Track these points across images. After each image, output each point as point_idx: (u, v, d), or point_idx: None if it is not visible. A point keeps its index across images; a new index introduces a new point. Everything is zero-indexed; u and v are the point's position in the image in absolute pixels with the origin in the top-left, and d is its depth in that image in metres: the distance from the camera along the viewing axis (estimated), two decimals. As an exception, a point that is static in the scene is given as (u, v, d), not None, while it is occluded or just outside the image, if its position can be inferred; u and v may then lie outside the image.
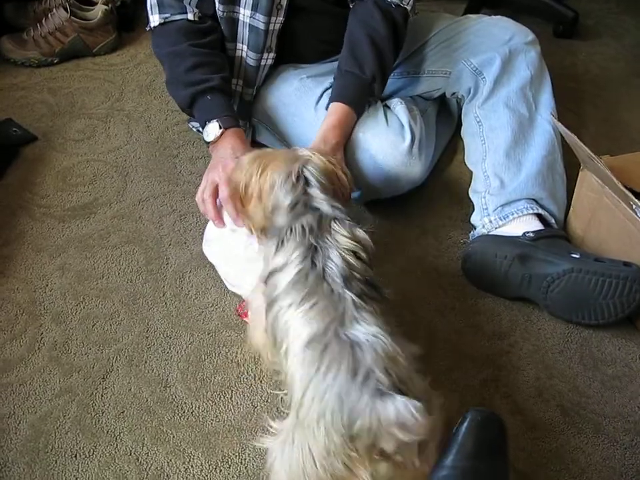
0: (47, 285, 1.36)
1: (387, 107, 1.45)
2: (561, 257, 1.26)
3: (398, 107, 1.44)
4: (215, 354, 1.23)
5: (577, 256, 1.26)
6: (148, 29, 1.47)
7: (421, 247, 1.45)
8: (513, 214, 1.37)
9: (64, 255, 1.42)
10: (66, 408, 1.15)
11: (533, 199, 1.39)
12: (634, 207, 1.19)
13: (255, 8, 1.41)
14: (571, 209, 1.42)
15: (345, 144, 1.38)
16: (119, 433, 1.12)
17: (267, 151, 1.15)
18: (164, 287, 1.35)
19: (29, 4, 2.10)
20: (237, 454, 1.09)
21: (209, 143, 1.36)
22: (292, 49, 1.52)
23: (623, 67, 2.12)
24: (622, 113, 1.90)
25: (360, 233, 1.00)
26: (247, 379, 1.19)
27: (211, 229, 1.30)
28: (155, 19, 1.44)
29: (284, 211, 1.02)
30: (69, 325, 1.28)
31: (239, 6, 1.42)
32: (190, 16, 1.42)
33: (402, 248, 1.45)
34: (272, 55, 1.49)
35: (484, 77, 1.51)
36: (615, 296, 1.22)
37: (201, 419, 1.13)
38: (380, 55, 1.41)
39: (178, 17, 1.42)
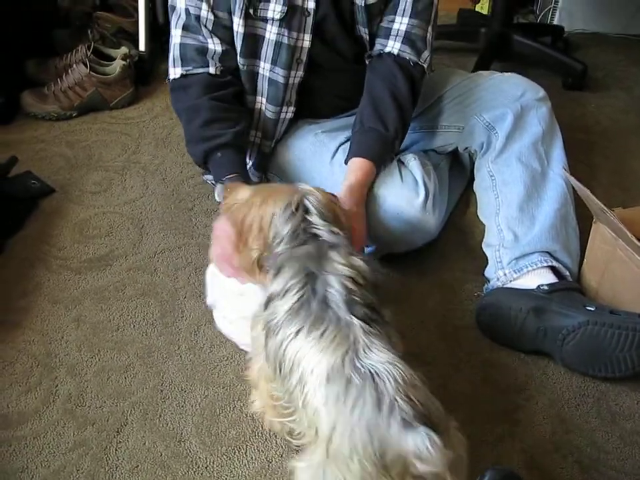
0: (63, 337, 1.36)
1: (400, 162, 1.47)
2: (576, 310, 1.26)
3: (412, 162, 1.46)
4: (230, 408, 1.23)
5: (592, 308, 1.26)
6: (167, 81, 1.50)
7: (435, 300, 1.45)
8: (527, 267, 1.37)
9: (80, 306, 1.43)
10: (80, 462, 1.15)
11: (547, 252, 1.39)
12: (648, 259, 1.20)
13: (274, 62, 1.45)
14: (585, 261, 1.42)
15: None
16: (133, 488, 1.11)
17: (267, 185, 1.16)
18: (179, 340, 1.35)
19: (49, 60, 2.16)
20: (251, 510, 1.08)
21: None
22: (309, 104, 1.55)
23: (633, 118, 2.14)
24: (633, 164, 1.92)
25: (356, 261, 1.01)
26: (261, 433, 1.18)
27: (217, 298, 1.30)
28: (175, 72, 1.46)
29: (284, 239, 1.04)
30: (84, 377, 1.29)
31: (259, 59, 1.46)
32: (212, 70, 1.44)
33: (416, 301, 1.45)
34: (292, 108, 1.52)
35: (496, 132, 1.53)
36: (631, 349, 1.21)
37: (215, 474, 1.12)
38: (402, 112, 1.44)
39: (200, 70, 1.44)
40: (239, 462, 1.14)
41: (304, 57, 1.46)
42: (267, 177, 1.62)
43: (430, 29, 1.50)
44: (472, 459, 1.13)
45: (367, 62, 1.52)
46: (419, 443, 0.79)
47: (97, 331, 1.38)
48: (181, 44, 1.45)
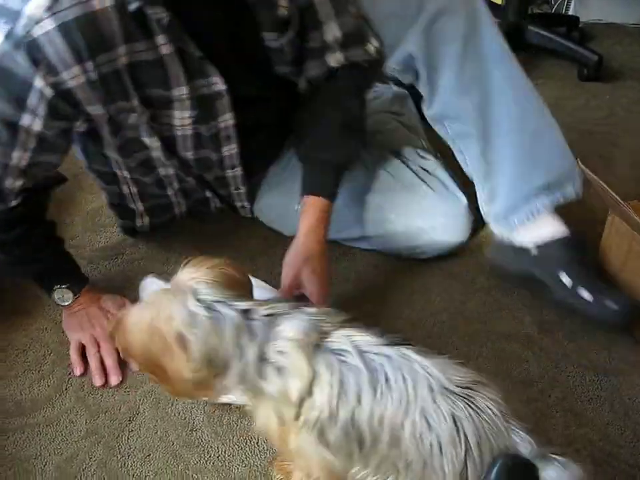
0: (75, 326, 1.37)
1: (424, 170, 1.46)
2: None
3: (438, 171, 1.45)
4: (242, 398, 1.23)
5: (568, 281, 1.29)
6: None
7: (446, 292, 1.44)
8: (516, 221, 1.35)
9: (92, 295, 1.43)
10: (92, 450, 1.15)
11: (530, 195, 1.33)
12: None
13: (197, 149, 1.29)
14: (601, 254, 1.41)
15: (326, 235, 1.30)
16: (145, 477, 1.11)
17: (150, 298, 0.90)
18: (191, 329, 1.35)
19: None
20: (262, 500, 1.08)
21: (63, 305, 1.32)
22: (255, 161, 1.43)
23: (649, 109, 2.12)
24: (649, 156, 1.90)
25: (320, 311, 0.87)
26: (273, 423, 1.18)
27: None
28: None
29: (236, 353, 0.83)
30: (96, 366, 1.29)
31: (181, 152, 1.29)
32: (10, 203, 1.19)
33: (428, 293, 1.44)
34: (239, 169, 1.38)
35: (415, 72, 1.38)
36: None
37: (227, 464, 1.12)
38: (353, 134, 1.33)
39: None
40: (251, 452, 1.14)
41: (232, 132, 1.28)
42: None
43: (360, 11, 1.26)
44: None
45: (306, 88, 1.33)
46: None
47: (110, 319, 1.38)
48: None
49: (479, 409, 0.80)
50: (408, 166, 1.47)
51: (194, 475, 1.11)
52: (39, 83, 1.02)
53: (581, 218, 1.45)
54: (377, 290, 1.45)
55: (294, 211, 1.31)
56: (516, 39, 2.30)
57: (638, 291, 1.31)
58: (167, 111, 1.18)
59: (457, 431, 0.78)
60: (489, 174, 1.37)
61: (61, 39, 0.99)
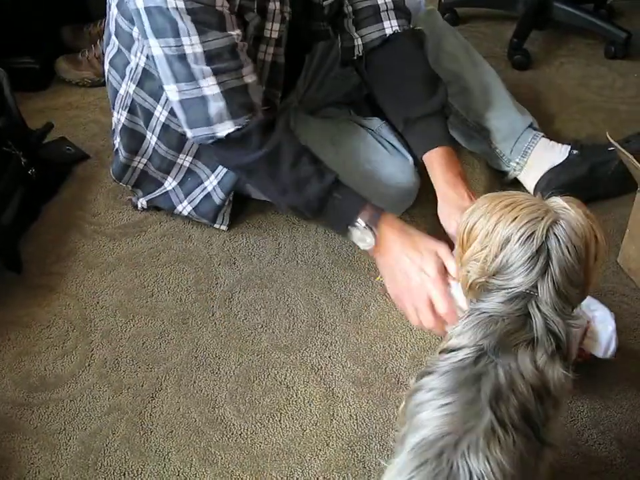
0: (98, 302, 1.37)
1: (370, 130, 1.47)
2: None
3: (384, 130, 1.46)
4: (264, 376, 1.22)
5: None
6: (210, 141, 1.21)
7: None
8: (529, 147, 1.51)
9: (114, 272, 1.43)
10: (115, 426, 1.16)
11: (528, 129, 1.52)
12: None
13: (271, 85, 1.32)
14: (627, 231, 1.39)
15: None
16: (167, 453, 1.12)
17: (506, 193, 0.86)
18: (213, 306, 1.35)
19: (84, 26, 2.15)
20: (285, 477, 1.08)
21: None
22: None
23: (678, 88, 2.07)
24: (677, 136, 1.85)
25: (555, 372, 0.79)
26: (295, 402, 1.18)
27: None
28: (224, 128, 1.18)
29: (501, 290, 0.82)
30: (119, 342, 1.29)
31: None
32: (260, 113, 1.20)
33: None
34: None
35: None
36: None
37: (249, 441, 1.13)
38: (438, 84, 1.37)
39: (254, 120, 1.19)
40: (273, 429, 1.14)
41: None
42: None
43: None
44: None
45: (363, 57, 1.40)
46: None
47: (132, 296, 1.38)
48: (222, 95, 1.16)
49: None
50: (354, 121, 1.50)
51: (216, 452, 1.12)
52: None
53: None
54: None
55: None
56: (541, 16, 2.26)
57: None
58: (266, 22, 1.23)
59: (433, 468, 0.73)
60: (492, 114, 1.54)
61: None
